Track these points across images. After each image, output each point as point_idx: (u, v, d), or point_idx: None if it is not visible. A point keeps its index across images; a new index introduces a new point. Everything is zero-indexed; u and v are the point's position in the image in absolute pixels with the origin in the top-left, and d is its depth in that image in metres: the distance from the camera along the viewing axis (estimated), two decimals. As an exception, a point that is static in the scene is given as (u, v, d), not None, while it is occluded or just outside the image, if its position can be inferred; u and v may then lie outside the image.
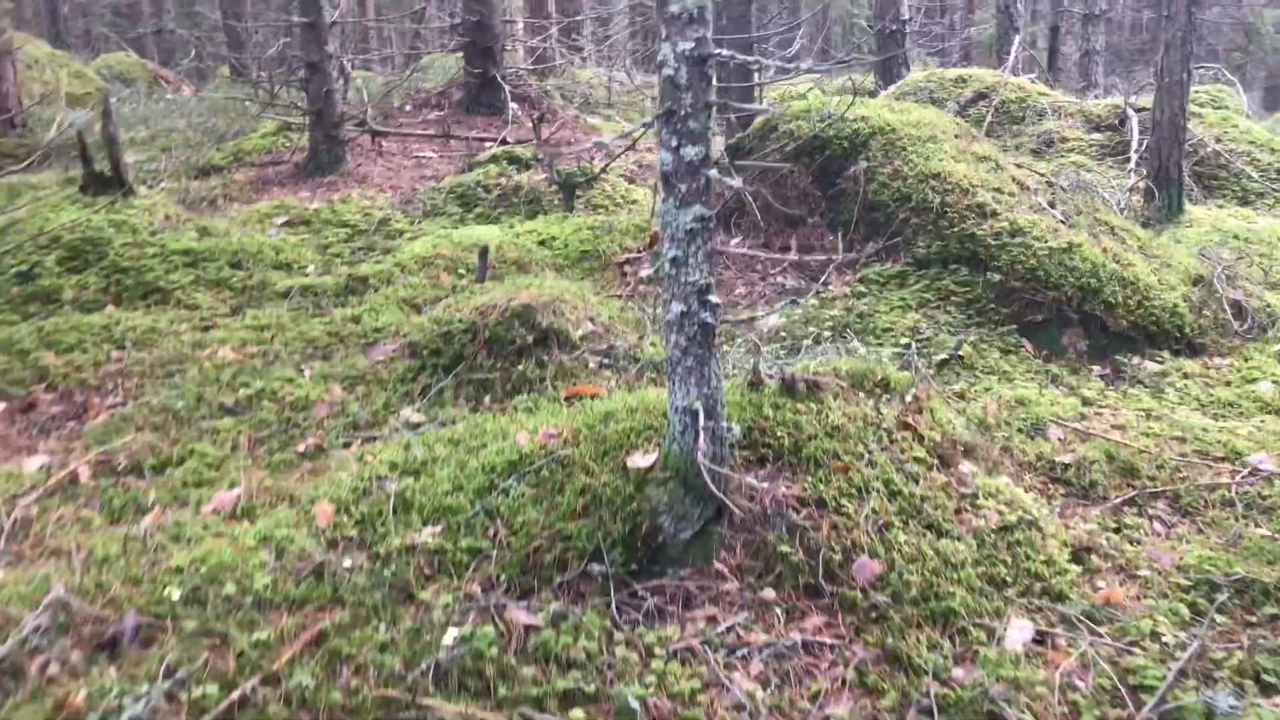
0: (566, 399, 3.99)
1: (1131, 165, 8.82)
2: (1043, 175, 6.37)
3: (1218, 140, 9.97)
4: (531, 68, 10.94)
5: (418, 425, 3.96)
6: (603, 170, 7.33)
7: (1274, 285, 6.61)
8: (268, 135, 9.34)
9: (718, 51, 2.64)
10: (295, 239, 6.38)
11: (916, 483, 3.40)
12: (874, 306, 5.31)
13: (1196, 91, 11.01)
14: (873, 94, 12.42)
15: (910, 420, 3.72)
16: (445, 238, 6.14)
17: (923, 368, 4.71)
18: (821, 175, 6.07)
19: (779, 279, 5.83)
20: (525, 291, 4.52)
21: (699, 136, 2.76)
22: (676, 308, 2.90)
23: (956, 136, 6.16)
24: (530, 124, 8.89)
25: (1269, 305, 5.78)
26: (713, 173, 2.81)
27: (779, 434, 3.33)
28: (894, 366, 4.42)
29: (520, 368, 4.18)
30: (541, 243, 6.31)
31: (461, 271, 5.60)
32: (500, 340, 4.28)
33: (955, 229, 5.49)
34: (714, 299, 2.89)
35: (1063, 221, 5.63)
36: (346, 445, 3.86)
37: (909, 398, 3.84)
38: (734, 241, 6.10)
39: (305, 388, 4.32)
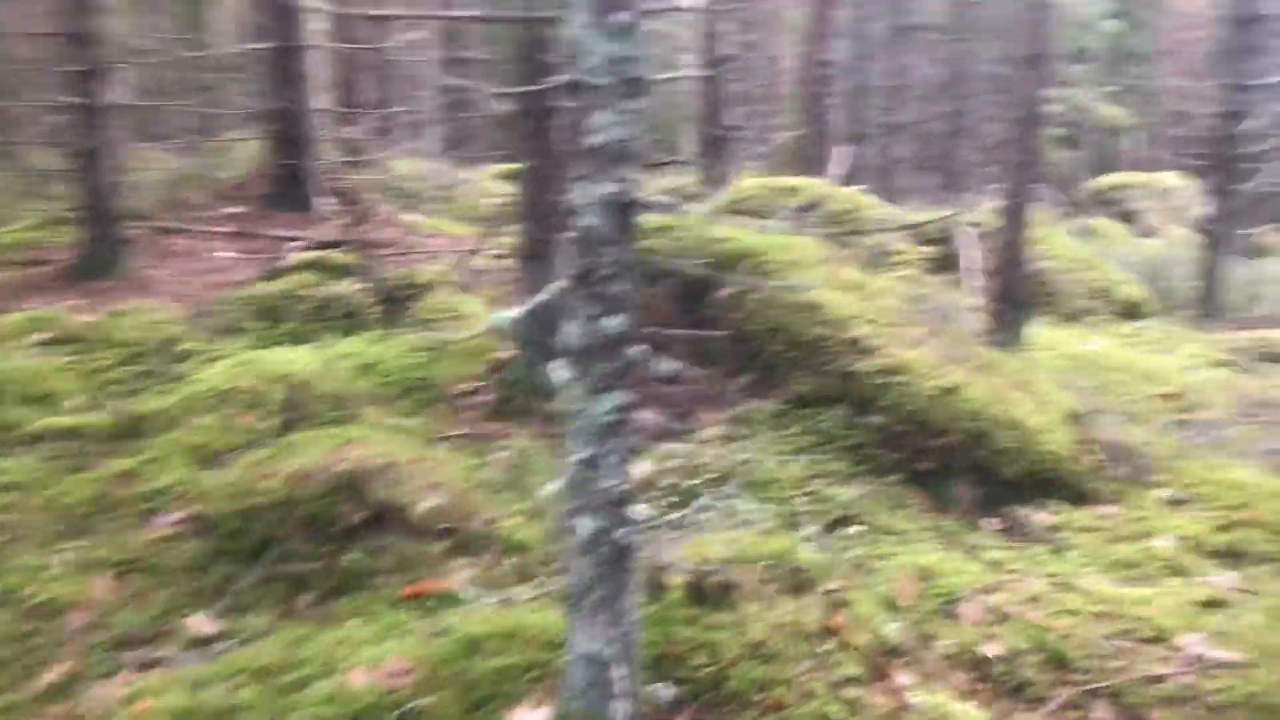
0: (408, 598, 3.15)
1: (970, 285, 8.75)
2: (909, 299, 6.03)
3: (1041, 258, 10.14)
4: (346, 159, 10.07)
5: (212, 640, 3.03)
6: (433, 280, 6.55)
7: (1131, 415, 6.47)
8: (31, 229, 8.04)
9: (654, 199, 1.98)
10: (58, 362, 5.25)
11: (856, 714, 2.76)
12: (754, 452, 4.72)
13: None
14: (699, 199, 12.19)
15: (834, 623, 3.10)
16: (247, 363, 5.18)
17: (818, 534, 4.13)
18: (684, 301, 5.50)
19: (642, 415, 5.18)
20: (353, 450, 3.67)
21: (623, 302, 2.08)
22: (587, 524, 2.17)
23: (823, 261, 5.74)
24: (346, 222, 8.02)
25: (1143, 443, 5.54)
26: (640, 349, 2.13)
27: (695, 662, 2.63)
28: (802, 540, 3.82)
29: (347, 557, 3.32)
30: (363, 368, 5.43)
31: (267, 410, 4.66)
32: (321, 519, 3.40)
33: (833, 365, 5.01)
34: (636, 512, 2.19)
35: (942, 357, 5.24)
36: (111, 675, 2.89)
37: (828, 589, 3.24)
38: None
39: (56, 582, 3.30)
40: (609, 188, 1.99)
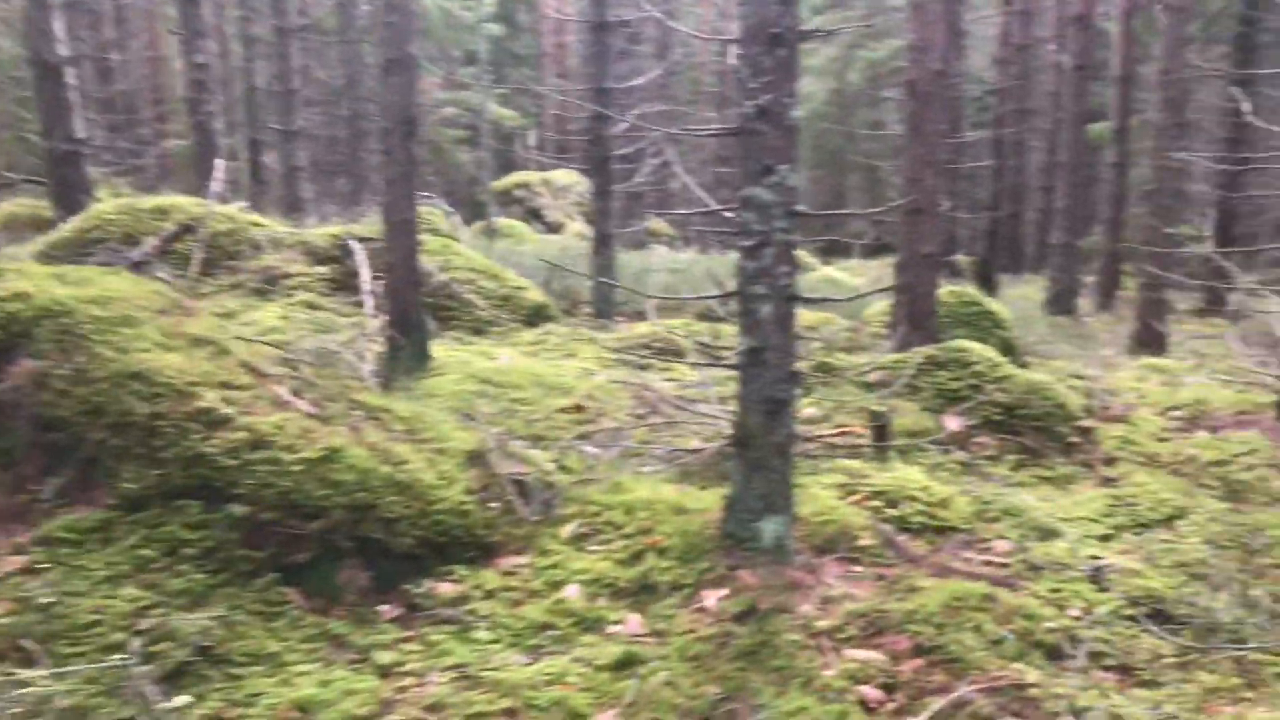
0: None
1: (369, 308, 8.08)
2: (281, 349, 5.15)
3: (443, 270, 9.78)
4: None
5: None
6: None
7: (539, 438, 6.22)
8: None
9: None
10: None
11: None
12: (66, 587, 3.55)
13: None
14: (53, 226, 10.20)
15: None
16: None
17: (153, 693, 3.12)
18: (-39, 384, 4.10)
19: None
20: None
21: None
22: None
23: (162, 312, 4.65)
24: None
25: (548, 474, 5.22)
26: None
27: None
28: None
29: None
30: None
31: None
32: None
33: (176, 449, 3.97)
34: None
35: (315, 416, 4.45)
36: None
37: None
38: None
39: None
40: None
